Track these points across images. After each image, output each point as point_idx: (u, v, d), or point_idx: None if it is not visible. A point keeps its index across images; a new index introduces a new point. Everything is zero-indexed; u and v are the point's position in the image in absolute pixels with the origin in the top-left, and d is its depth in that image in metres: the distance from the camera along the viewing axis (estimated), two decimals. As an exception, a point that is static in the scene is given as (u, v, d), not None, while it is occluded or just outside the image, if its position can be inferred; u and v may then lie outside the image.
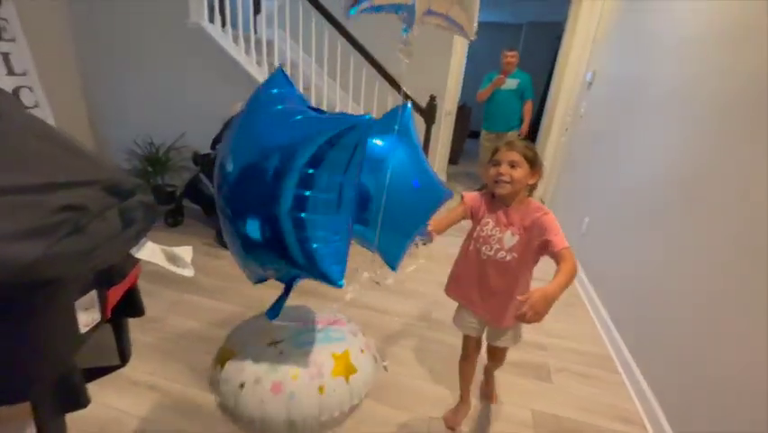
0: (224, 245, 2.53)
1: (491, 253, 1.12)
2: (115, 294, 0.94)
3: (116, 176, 0.77)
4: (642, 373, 1.59)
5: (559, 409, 1.51)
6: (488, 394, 1.51)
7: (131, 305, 1.09)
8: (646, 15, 2.31)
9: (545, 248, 1.03)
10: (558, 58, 4.15)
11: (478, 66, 4.75)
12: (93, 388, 1.33)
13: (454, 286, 1.27)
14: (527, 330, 2.00)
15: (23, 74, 2.43)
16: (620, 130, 2.34)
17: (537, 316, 0.83)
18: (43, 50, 2.66)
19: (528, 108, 3.84)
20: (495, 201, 1.14)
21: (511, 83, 3.73)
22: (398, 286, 2.17)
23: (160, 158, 2.91)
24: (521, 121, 3.94)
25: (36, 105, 2.49)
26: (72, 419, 1.28)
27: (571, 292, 2.43)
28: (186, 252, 0.93)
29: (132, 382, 1.44)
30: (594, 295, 2.22)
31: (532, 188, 1.11)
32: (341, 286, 0.82)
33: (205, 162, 2.50)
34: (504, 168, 1.05)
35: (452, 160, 5.87)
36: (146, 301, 1.89)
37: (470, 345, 1.32)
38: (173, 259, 0.88)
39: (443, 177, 5.09)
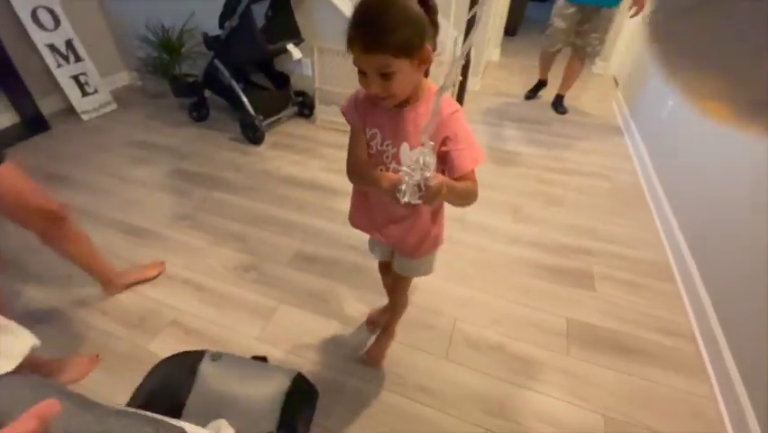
0: (251, 141, 2.42)
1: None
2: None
3: None
4: (704, 284, 1.40)
5: (597, 318, 1.40)
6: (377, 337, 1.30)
7: None
8: None
9: (443, 161, 0.76)
10: None
11: None
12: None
13: (353, 215, 1.01)
14: (573, 234, 1.83)
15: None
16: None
17: (428, 200, 0.66)
18: None
19: None
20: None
21: None
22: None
23: (174, 43, 2.66)
24: None
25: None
26: (113, 309, 1.41)
27: (634, 192, 2.12)
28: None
29: (167, 277, 1.52)
30: (662, 195, 1.91)
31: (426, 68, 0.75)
32: None
33: (217, 46, 2.23)
34: (375, 84, 0.69)
35: (509, 30, 4.83)
36: (176, 199, 1.95)
37: (381, 268, 1.22)
38: None
39: (495, 53, 4.34)
